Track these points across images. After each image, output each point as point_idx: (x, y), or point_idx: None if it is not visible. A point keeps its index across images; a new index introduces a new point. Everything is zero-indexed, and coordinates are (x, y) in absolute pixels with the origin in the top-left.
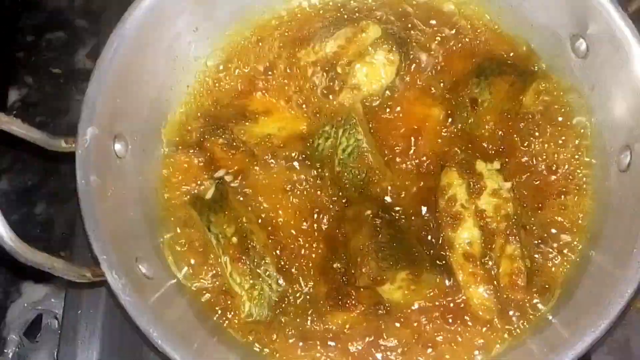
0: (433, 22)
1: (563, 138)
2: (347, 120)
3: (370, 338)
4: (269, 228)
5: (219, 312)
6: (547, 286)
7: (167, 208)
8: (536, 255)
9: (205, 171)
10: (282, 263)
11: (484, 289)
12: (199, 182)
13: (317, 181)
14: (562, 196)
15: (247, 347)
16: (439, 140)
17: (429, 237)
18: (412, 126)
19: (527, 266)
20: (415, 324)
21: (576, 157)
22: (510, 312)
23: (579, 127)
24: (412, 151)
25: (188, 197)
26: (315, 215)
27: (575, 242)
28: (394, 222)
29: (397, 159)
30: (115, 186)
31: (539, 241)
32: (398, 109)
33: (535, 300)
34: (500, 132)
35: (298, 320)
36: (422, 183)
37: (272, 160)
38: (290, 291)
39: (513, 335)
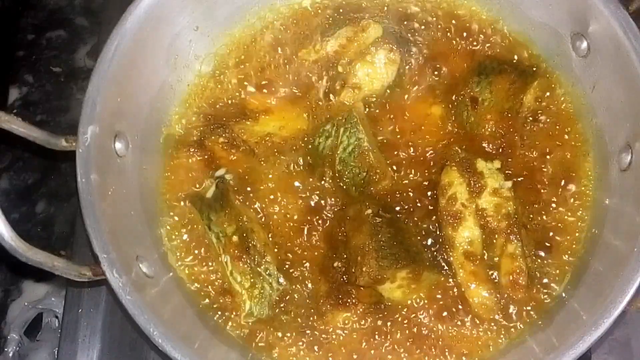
0: (434, 21)
1: (563, 137)
2: (348, 119)
3: (371, 337)
4: (270, 227)
5: (220, 311)
6: (547, 285)
7: (168, 207)
8: (536, 255)
9: (206, 170)
10: (283, 262)
11: (484, 288)
12: (199, 181)
13: (318, 180)
14: (563, 195)
15: (247, 345)
16: (440, 139)
17: (430, 236)
18: (413, 125)
19: (527, 265)
20: (416, 323)
21: (577, 156)
22: (511, 311)
23: (580, 126)
24: (412, 150)
25: (188, 195)
26: (316, 214)
27: (575, 241)
28: (394, 221)
29: (398, 158)
30: (115, 185)
31: (540, 240)
32: (399, 108)
33: (535, 299)
34: (500, 131)
35: (298, 319)
36: (422, 182)
37: (273, 159)
38: (290, 290)
39: (513, 334)
